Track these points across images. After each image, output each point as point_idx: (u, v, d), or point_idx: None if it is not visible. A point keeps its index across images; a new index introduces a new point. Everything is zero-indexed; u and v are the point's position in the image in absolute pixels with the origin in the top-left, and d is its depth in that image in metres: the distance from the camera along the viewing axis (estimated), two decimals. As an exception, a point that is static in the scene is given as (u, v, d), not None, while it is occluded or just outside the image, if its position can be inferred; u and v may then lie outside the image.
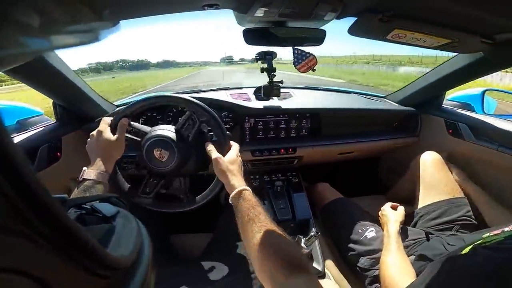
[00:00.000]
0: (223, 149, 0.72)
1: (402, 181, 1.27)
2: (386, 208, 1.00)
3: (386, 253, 0.84)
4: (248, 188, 0.62)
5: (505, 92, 1.84)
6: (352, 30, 0.79)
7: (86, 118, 1.03)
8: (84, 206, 0.26)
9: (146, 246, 0.24)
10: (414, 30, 0.74)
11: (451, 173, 1.09)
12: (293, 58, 0.99)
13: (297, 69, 1.02)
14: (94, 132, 0.70)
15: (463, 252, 0.62)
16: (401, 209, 0.98)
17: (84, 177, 0.62)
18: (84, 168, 0.64)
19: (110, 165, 0.68)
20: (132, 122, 0.77)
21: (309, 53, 0.99)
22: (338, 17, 0.78)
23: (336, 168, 1.42)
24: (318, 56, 1.02)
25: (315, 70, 1.03)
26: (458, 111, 1.27)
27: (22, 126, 1.03)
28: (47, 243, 0.14)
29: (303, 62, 1.01)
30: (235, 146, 0.74)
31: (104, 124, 0.71)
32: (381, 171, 1.54)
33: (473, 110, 1.49)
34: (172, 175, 0.81)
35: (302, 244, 0.84)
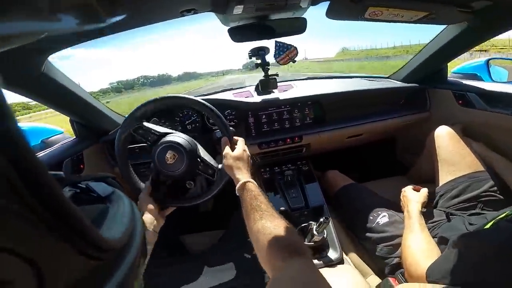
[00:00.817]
0: (229, 145, 0.77)
1: (419, 160, 1.23)
2: (407, 189, 0.97)
3: (407, 235, 0.81)
4: (252, 180, 0.66)
5: (509, 59, 1.76)
6: (329, 14, 0.80)
7: (102, 131, 1.10)
8: (79, 185, 0.26)
9: (138, 229, 0.23)
10: (388, 6, 0.74)
11: (469, 146, 1.03)
12: (274, 51, 1.04)
13: (277, 62, 1.06)
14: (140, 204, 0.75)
15: (485, 227, 0.60)
16: (423, 190, 0.94)
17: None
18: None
19: (157, 229, 0.73)
20: (145, 124, 0.82)
21: (290, 45, 1.03)
22: (313, 3, 0.81)
23: (349, 154, 1.40)
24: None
25: (295, 61, 1.06)
26: (464, 81, 1.23)
27: (46, 144, 1.12)
28: (40, 222, 0.14)
29: (284, 54, 1.05)
30: (240, 142, 0.79)
31: (149, 206, 0.75)
32: (398, 151, 1.50)
33: (481, 80, 1.44)
34: (183, 177, 0.84)
35: (314, 231, 0.84)
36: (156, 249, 0.76)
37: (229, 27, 0.90)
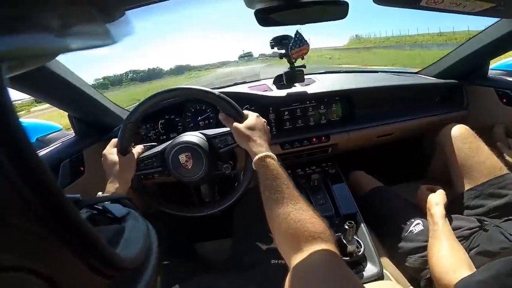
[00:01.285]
0: (239, 119, 0.68)
1: (433, 162, 1.15)
2: (424, 191, 0.89)
3: (434, 241, 0.74)
4: (271, 154, 0.59)
5: None
6: None
7: (105, 128, 0.98)
8: (96, 206, 0.27)
9: (154, 249, 0.24)
10: None
11: (509, 148, 0.95)
12: (293, 42, 0.92)
13: (291, 54, 0.94)
14: (104, 156, 0.70)
15: None
16: (440, 191, 0.87)
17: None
18: (99, 193, 0.63)
19: (122, 185, 0.65)
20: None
21: (305, 40, 0.93)
22: None
23: (373, 154, 1.28)
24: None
25: (303, 58, 0.95)
26: (509, 79, 1.12)
27: (41, 143, 1.00)
28: (59, 242, 0.15)
29: (298, 48, 0.93)
30: (251, 114, 0.69)
31: (109, 147, 0.71)
32: (427, 152, 1.38)
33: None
34: (199, 183, 0.77)
35: (344, 241, 0.74)
36: (173, 260, 0.75)
37: (256, 9, 0.77)
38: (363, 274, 0.73)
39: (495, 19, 0.93)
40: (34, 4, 0.15)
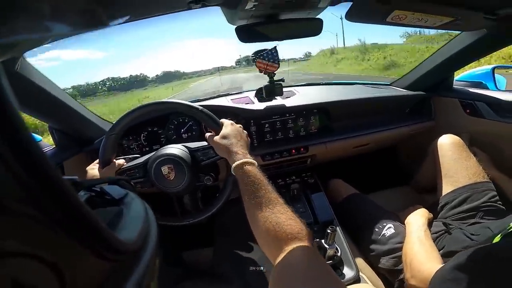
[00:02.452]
0: (216, 130, 0.72)
1: (422, 169, 1.19)
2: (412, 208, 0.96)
3: (408, 240, 0.80)
4: (250, 160, 0.61)
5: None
6: (350, 16, 0.74)
7: (86, 140, 0.98)
8: (94, 188, 0.27)
9: (153, 231, 0.24)
10: (416, 10, 0.69)
11: (474, 155, 1.01)
12: (266, 54, 0.97)
13: (255, 63, 0.99)
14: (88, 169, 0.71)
15: (494, 241, 0.60)
16: (423, 210, 0.94)
17: None
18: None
19: None
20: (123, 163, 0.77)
21: (278, 60, 0.98)
22: (333, 3, 0.75)
23: (351, 163, 1.34)
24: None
25: (267, 73, 0.99)
26: (471, 90, 1.21)
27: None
28: (59, 226, 0.15)
29: (266, 61, 0.98)
30: (226, 122, 0.72)
31: (92, 164, 0.73)
32: (400, 160, 1.46)
33: (486, 88, 1.43)
34: (182, 193, 0.79)
35: (324, 245, 0.78)
36: (160, 269, 0.71)
37: (237, 26, 0.81)
38: (341, 278, 0.77)
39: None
40: None
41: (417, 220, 0.88)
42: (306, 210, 0.99)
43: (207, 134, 0.72)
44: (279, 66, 0.99)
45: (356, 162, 1.37)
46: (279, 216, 0.51)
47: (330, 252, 0.78)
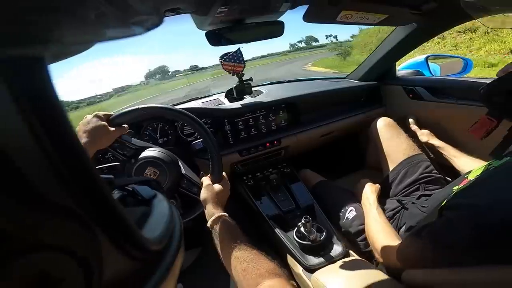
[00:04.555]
0: (214, 179, 0.77)
1: (368, 153, 1.33)
2: (362, 184, 1.01)
3: (368, 222, 0.85)
4: (225, 214, 0.68)
5: (444, 56, 2.08)
6: (307, 17, 0.83)
7: None
8: (127, 187, 0.28)
9: (177, 231, 0.24)
10: (358, 10, 0.80)
11: (420, 134, 1.14)
12: (231, 56, 1.04)
13: (221, 64, 1.05)
14: (90, 116, 0.67)
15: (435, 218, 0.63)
16: (371, 185, 0.99)
17: None
18: None
19: (92, 151, 0.65)
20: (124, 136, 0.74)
21: (243, 60, 1.05)
22: (292, 7, 0.83)
23: (321, 153, 1.46)
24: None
25: (233, 74, 1.07)
26: (412, 77, 1.40)
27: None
28: (94, 222, 0.15)
29: (233, 62, 1.05)
30: (225, 183, 0.78)
31: (106, 114, 0.69)
32: (361, 146, 1.62)
33: (422, 75, 1.65)
34: (174, 187, 0.80)
35: (304, 232, 0.85)
36: None
37: (206, 31, 0.86)
38: (330, 255, 0.83)
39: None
40: None
41: (369, 198, 0.92)
42: (287, 197, 1.06)
43: (205, 179, 0.77)
44: (245, 65, 1.05)
45: (326, 152, 1.49)
46: (257, 258, 0.56)
47: (311, 237, 0.84)
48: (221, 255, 0.62)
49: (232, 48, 1.04)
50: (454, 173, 1.03)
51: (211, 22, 0.79)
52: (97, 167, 0.80)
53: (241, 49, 1.05)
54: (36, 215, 0.13)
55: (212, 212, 0.67)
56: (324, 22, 0.90)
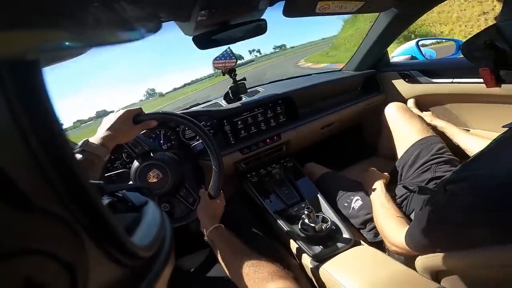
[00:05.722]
0: (213, 195, 0.79)
1: (381, 138, 1.31)
2: (369, 173, 1.00)
3: (376, 211, 0.84)
4: (221, 225, 0.72)
5: (434, 39, 2.08)
6: (286, 12, 0.85)
7: None
8: (117, 194, 0.27)
9: (168, 239, 0.24)
10: None
11: (417, 116, 1.12)
12: (221, 55, 1.07)
13: (213, 64, 1.09)
14: (121, 111, 0.69)
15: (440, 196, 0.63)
16: (378, 174, 0.98)
17: (85, 149, 0.59)
18: (86, 138, 0.63)
19: (112, 144, 0.66)
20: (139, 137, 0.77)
21: (233, 56, 1.08)
22: (271, 4, 0.85)
23: (323, 146, 1.46)
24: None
25: (225, 72, 1.10)
26: (405, 62, 1.40)
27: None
28: (80, 227, 0.15)
29: (224, 60, 1.08)
30: (222, 201, 0.81)
31: (133, 109, 0.71)
32: (366, 135, 1.61)
33: (416, 59, 1.65)
34: (171, 193, 0.83)
35: (309, 223, 0.85)
36: None
37: (193, 36, 0.89)
38: (338, 245, 0.81)
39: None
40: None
41: (376, 185, 0.91)
42: (291, 191, 1.06)
43: (203, 193, 0.80)
44: (236, 60, 1.08)
45: (328, 145, 1.49)
46: (260, 262, 0.58)
47: (317, 227, 0.84)
48: (223, 265, 0.63)
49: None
50: (466, 156, 1.02)
51: (196, 27, 0.82)
52: (105, 174, 0.83)
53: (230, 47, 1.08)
54: (22, 219, 0.13)
55: (209, 225, 0.71)
56: (304, 15, 0.91)
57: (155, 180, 0.78)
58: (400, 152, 1.05)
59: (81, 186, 0.15)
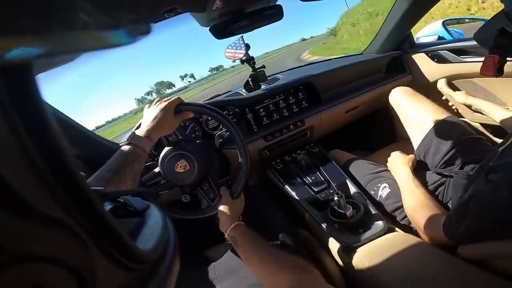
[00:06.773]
0: (234, 195, 0.80)
1: (396, 126, 1.27)
2: (393, 157, 0.95)
3: (406, 199, 0.77)
4: (241, 222, 0.72)
5: (461, 19, 1.95)
6: None
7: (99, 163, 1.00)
8: (119, 199, 0.27)
9: (172, 242, 0.24)
10: None
11: (456, 95, 1.08)
12: (233, 44, 1.06)
13: (225, 52, 1.09)
14: (162, 104, 0.70)
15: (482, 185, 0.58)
16: (402, 155, 0.93)
17: (132, 141, 0.60)
18: (133, 130, 0.63)
19: (156, 136, 0.67)
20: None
21: (243, 46, 1.06)
22: None
23: (349, 131, 1.41)
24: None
25: (235, 61, 1.09)
26: (432, 42, 1.33)
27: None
28: (85, 234, 0.15)
29: (234, 50, 1.07)
30: (241, 201, 0.82)
31: (175, 100, 0.72)
32: (395, 119, 1.54)
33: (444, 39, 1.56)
34: (194, 186, 0.84)
35: (338, 210, 0.82)
36: (185, 270, 0.76)
37: (210, 26, 0.89)
38: (371, 232, 0.78)
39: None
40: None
41: (402, 171, 0.85)
42: (317, 177, 1.03)
43: (224, 191, 0.81)
44: (245, 51, 1.06)
45: (353, 129, 1.44)
46: (282, 257, 0.58)
47: (348, 214, 0.81)
48: (246, 261, 0.64)
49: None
50: (497, 131, 0.95)
51: (211, 17, 0.81)
52: None
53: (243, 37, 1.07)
54: (26, 226, 0.13)
55: (230, 222, 0.71)
56: None
57: (182, 170, 0.78)
58: (417, 140, 0.97)
59: (82, 192, 0.15)
